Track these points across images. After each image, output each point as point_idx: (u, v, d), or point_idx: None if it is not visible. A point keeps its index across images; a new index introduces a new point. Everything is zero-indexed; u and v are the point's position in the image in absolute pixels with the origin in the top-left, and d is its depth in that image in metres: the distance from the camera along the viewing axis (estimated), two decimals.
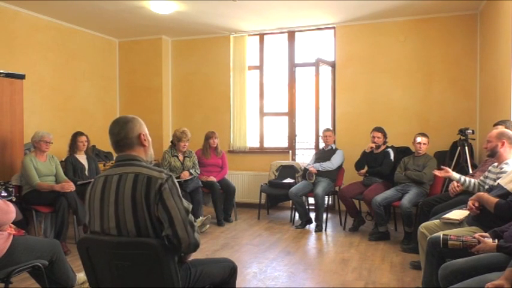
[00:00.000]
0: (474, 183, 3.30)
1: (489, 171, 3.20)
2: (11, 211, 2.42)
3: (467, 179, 3.40)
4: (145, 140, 1.92)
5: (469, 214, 2.82)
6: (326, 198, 5.32)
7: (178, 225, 1.71)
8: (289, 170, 5.99)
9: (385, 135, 5.04)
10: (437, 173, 3.68)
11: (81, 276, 2.92)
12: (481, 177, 3.31)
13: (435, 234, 2.67)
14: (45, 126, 5.08)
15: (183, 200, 1.79)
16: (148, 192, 1.72)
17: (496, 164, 3.11)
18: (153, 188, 1.72)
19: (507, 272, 1.84)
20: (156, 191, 1.72)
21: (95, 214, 1.83)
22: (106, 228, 1.79)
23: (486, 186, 3.08)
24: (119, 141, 1.86)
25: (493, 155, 3.08)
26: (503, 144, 3.00)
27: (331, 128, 5.76)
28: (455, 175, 3.46)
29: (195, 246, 1.77)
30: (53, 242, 2.77)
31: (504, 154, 3.02)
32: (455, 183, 3.52)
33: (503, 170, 2.97)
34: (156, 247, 1.71)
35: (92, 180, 1.92)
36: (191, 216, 1.79)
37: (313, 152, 5.97)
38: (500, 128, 3.27)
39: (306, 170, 5.39)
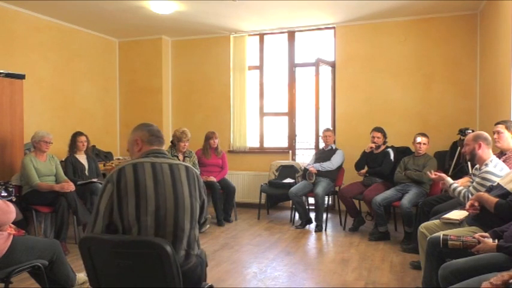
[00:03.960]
0: (465, 194, 3.11)
1: (473, 174, 3.22)
2: (11, 211, 2.42)
3: (460, 188, 3.20)
4: None
5: (469, 214, 2.82)
6: (326, 198, 5.32)
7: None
8: (289, 170, 5.99)
9: (385, 135, 5.04)
10: (430, 174, 3.63)
11: (81, 276, 2.92)
12: (469, 182, 3.31)
13: (435, 234, 2.67)
14: (45, 126, 5.08)
15: None
16: (199, 181, 2.04)
17: (477, 166, 3.14)
18: (199, 178, 2.05)
19: None
20: (199, 182, 2.05)
21: (147, 194, 1.84)
22: (162, 206, 1.85)
23: (473, 191, 3.04)
24: (161, 137, 2.13)
25: (473, 158, 3.13)
26: (480, 146, 3.05)
27: (331, 128, 5.77)
28: (449, 180, 3.34)
29: None
30: (53, 242, 2.77)
31: (483, 155, 3.07)
32: None
33: (484, 170, 3.00)
34: (158, 246, 1.72)
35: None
36: None
37: (313, 152, 5.97)
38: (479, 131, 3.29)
39: (306, 170, 5.39)
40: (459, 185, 3.30)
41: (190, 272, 1.91)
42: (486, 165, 3.03)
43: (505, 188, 2.60)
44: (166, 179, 1.89)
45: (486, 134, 3.13)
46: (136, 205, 1.82)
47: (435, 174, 3.48)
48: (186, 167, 2.00)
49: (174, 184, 1.90)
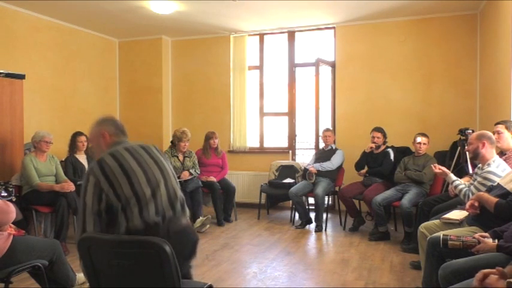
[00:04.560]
0: (465, 193, 3.13)
1: (475, 173, 3.22)
2: (11, 211, 2.42)
3: (462, 186, 3.22)
4: None
5: (469, 214, 2.82)
6: (326, 198, 5.32)
7: None
8: (289, 170, 5.98)
9: (384, 135, 5.04)
10: (434, 167, 3.62)
11: (81, 276, 2.91)
12: (470, 181, 3.31)
13: (435, 234, 2.67)
14: (45, 126, 5.07)
15: None
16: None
17: (480, 165, 3.14)
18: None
19: (508, 268, 1.84)
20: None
21: (135, 171, 1.93)
22: (152, 177, 1.96)
23: (474, 191, 3.05)
24: (125, 131, 2.20)
25: (476, 156, 3.13)
26: (483, 145, 3.05)
27: (331, 128, 5.77)
28: (452, 177, 3.36)
29: None
30: (53, 242, 2.77)
31: (486, 155, 3.07)
32: None
33: (486, 170, 3.00)
34: (158, 246, 1.72)
35: None
36: None
37: (313, 152, 5.97)
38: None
39: (306, 170, 5.39)
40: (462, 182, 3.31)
41: (188, 231, 2.05)
42: (488, 165, 3.03)
43: (505, 188, 2.60)
44: (144, 156, 2.03)
45: (490, 134, 3.13)
46: (128, 182, 1.90)
47: (439, 169, 3.48)
48: (154, 146, 2.15)
49: (153, 158, 2.05)
